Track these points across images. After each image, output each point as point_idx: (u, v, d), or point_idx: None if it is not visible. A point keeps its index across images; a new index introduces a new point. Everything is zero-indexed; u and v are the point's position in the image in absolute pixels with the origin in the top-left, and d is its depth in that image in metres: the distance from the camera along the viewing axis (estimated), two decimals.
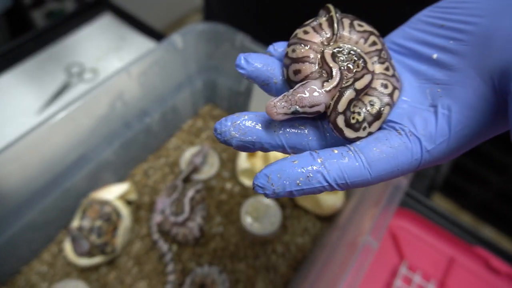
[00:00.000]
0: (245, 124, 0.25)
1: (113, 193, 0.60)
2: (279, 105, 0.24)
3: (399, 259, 0.62)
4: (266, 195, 0.24)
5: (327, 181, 0.24)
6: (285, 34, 0.67)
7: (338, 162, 0.24)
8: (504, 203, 1.32)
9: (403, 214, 0.65)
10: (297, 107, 0.24)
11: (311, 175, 0.24)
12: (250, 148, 0.26)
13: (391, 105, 0.27)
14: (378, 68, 0.27)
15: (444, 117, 0.25)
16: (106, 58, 0.86)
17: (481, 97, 0.24)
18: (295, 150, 0.26)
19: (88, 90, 0.53)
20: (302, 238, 0.63)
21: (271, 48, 0.29)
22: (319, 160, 0.24)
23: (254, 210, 0.62)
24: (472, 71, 0.24)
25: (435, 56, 0.27)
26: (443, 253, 0.63)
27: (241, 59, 0.27)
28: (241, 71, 0.26)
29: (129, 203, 0.64)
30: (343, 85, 0.25)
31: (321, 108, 0.25)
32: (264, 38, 0.63)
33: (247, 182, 0.67)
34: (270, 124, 0.26)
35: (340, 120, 0.25)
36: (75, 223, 0.57)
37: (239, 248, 0.61)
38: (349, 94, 0.25)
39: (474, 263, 0.62)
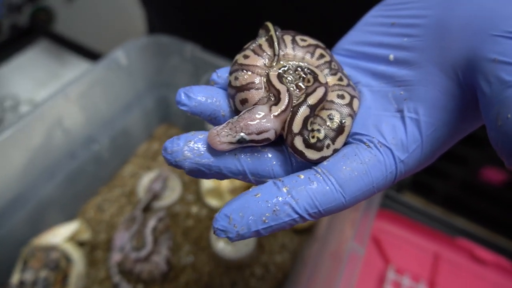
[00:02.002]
0: (200, 144, 0.22)
1: (60, 235, 0.52)
2: (223, 134, 0.22)
3: (385, 263, 0.58)
4: (230, 239, 0.21)
5: (297, 213, 0.21)
6: (231, 42, 0.63)
7: (306, 189, 0.21)
8: (469, 194, 1.35)
9: (381, 216, 0.62)
10: (243, 134, 0.22)
11: (278, 208, 0.21)
12: (205, 173, 0.23)
13: (352, 115, 0.24)
14: (331, 80, 0.25)
15: (412, 122, 0.23)
16: (46, 88, 0.78)
17: (447, 94, 0.22)
18: (258, 177, 0.23)
19: (18, 118, 0.46)
20: (280, 256, 0.58)
21: (214, 76, 0.27)
22: (284, 190, 0.21)
23: None
24: (433, 67, 0.23)
25: (391, 56, 0.25)
26: (427, 250, 0.60)
27: (181, 95, 0.24)
28: (182, 108, 0.24)
29: (81, 244, 0.56)
30: (295, 103, 0.23)
31: (270, 135, 0.22)
32: (212, 48, 0.59)
33: (214, 203, 0.61)
34: None
35: (299, 142, 0.22)
36: (15, 278, 0.48)
37: (214, 277, 0.55)
38: (303, 111, 0.23)
39: (459, 256, 0.60)
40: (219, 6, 0.58)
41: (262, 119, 0.22)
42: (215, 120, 0.25)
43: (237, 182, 0.59)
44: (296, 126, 0.23)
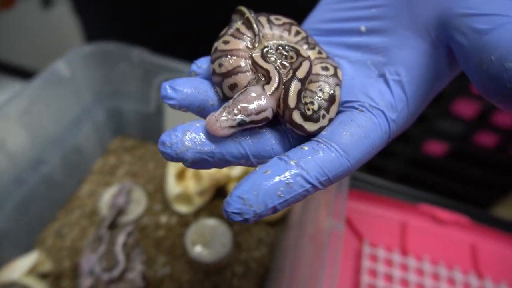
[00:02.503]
0: (200, 132, 0.22)
1: (19, 270, 0.47)
2: (223, 119, 0.21)
3: (359, 240, 0.60)
4: (247, 221, 0.21)
5: (309, 182, 0.21)
6: (179, 42, 0.62)
7: (314, 158, 0.22)
8: (417, 169, 1.45)
9: (350, 196, 0.64)
10: (243, 116, 0.22)
11: (291, 181, 0.21)
12: (208, 161, 0.22)
13: (339, 84, 0.25)
14: (311, 54, 0.26)
15: (396, 83, 0.24)
16: None
17: (423, 54, 0.24)
18: (259, 158, 0.23)
19: None
20: (259, 251, 0.57)
21: (194, 67, 0.26)
22: (292, 163, 0.21)
23: (200, 236, 0.55)
24: (406, 31, 0.24)
25: (362, 28, 0.26)
26: (395, 220, 0.63)
27: (167, 88, 0.23)
28: (170, 102, 0.23)
29: (44, 276, 0.51)
30: (285, 80, 0.24)
31: (268, 114, 0.23)
32: (160, 50, 0.57)
33: (183, 209, 0.59)
34: None
35: (297, 116, 0.23)
36: None
37: (194, 284, 0.53)
38: (295, 86, 0.23)
39: (423, 220, 0.63)
40: (160, 7, 0.57)
41: (258, 99, 0.22)
42: (204, 111, 0.24)
43: (205, 184, 0.57)
44: (292, 101, 0.23)
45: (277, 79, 0.23)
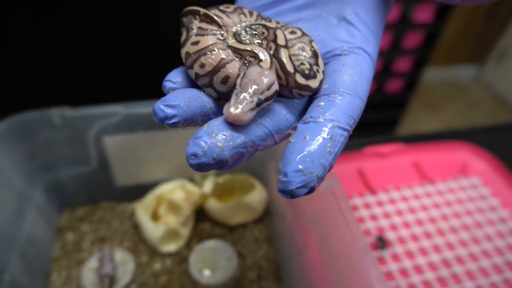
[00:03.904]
0: (224, 128, 0.21)
1: None
2: (241, 105, 0.21)
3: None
4: (312, 189, 0.21)
5: (345, 129, 0.22)
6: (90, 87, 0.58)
7: (336, 108, 0.23)
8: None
9: None
10: (258, 95, 0.22)
11: (332, 134, 0.22)
12: (243, 154, 0.22)
13: (312, 40, 0.27)
14: (273, 24, 0.27)
15: (358, 20, 0.27)
16: None
17: None
18: (280, 132, 0.24)
19: None
20: (261, 249, 0.58)
21: (169, 84, 0.25)
22: (321, 120, 0.22)
23: (204, 261, 0.53)
24: None
25: None
26: (353, 169, 0.70)
27: (163, 109, 0.22)
28: (172, 121, 0.22)
29: None
30: (272, 52, 0.24)
31: (276, 86, 0.23)
32: (80, 101, 0.53)
33: (173, 247, 0.56)
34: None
35: (300, 78, 0.24)
36: None
37: None
38: (284, 53, 0.24)
39: (372, 160, 0.71)
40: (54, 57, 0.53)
41: (263, 76, 0.22)
42: (206, 117, 0.24)
43: (186, 211, 0.55)
44: (290, 67, 0.24)
45: (266, 53, 0.24)
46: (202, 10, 0.25)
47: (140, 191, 0.61)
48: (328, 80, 0.25)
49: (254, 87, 0.22)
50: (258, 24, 0.26)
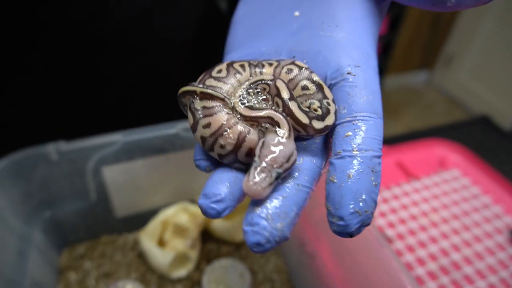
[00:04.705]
0: (275, 208, 0.21)
1: None
2: (260, 180, 0.21)
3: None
4: (368, 225, 0.21)
5: (378, 157, 0.22)
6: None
7: (365, 136, 0.22)
8: None
9: None
10: (277, 169, 0.21)
11: (371, 165, 0.22)
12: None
13: (312, 71, 0.26)
14: (268, 71, 0.26)
15: (357, 35, 0.27)
16: None
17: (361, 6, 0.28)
18: (316, 182, 0.24)
19: None
20: (270, 262, 0.58)
21: (201, 163, 0.25)
22: (355, 152, 0.22)
23: (218, 281, 0.52)
24: None
25: (296, 13, 0.29)
26: None
27: (212, 207, 0.22)
28: (224, 214, 0.22)
29: None
30: (281, 108, 0.24)
31: (295, 156, 0.22)
32: (74, 133, 0.52)
33: (183, 272, 0.55)
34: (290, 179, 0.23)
35: (317, 123, 0.23)
36: None
37: None
38: (293, 107, 0.23)
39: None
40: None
41: (281, 146, 0.22)
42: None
43: (194, 233, 0.55)
44: (304, 118, 0.23)
45: (282, 118, 0.23)
46: (198, 89, 0.24)
47: (140, 220, 0.59)
48: (345, 105, 0.24)
49: (273, 160, 0.21)
50: (257, 80, 0.25)
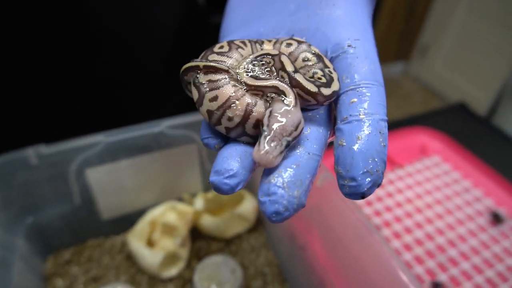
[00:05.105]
0: (290, 177, 0.21)
1: None
2: (271, 149, 0.21)
3: None
4: (379, 185, 0.22)
5: (384, 120, 0.23)
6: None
7: (370, 101, 0.23)
8: None
9: None
10: (287, 138, 0.21)
11: (378, 127, 0.22)
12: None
13: (310, 44, 0.27)
14: (267, 46, 0.27)
15: (354, 12, 0.28)
16: None
17: None
18: (325, 150, 0.25)
19: None
20: (261, 256, 0.58)
21: (210, 141, 0.24)
22: (362, 116, 0.23)
23: (209, 278, 0.52)
24: None
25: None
26: None
27: (225, 182, 0.22)
28: (238, 188, 0.22)
29: None
30: (288, 80, 0.24)
31: (303, 124, 0.23)
32: (56, 136, 0.51)
33: (174, 271, 0.54)
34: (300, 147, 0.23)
35: (325, 90, 0.24)
36: None
37: None
38: (300, 78, 0.24)
39: None
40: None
41: (289, 114, 0.22)
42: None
43: (183, 231, 0.54)
44: (312, 87, 0.23)
45: (288, 88, 0.23)
46: (201, 64, 0.24)
47: (127, 221, 0.58)
48: (348, 74, 0.25)
49: (282, 129, 0.21)
50: (261, 54, 0.25)
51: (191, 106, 0.57)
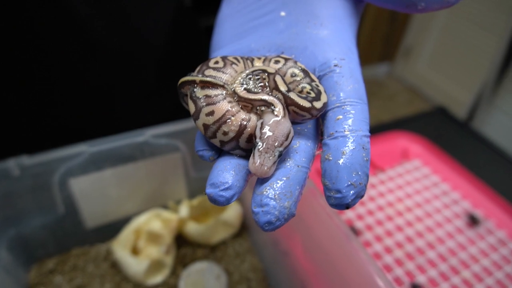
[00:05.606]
0: (280, 188, 0.23)
1: None
2: (265, 160, 0.22)
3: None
4: (362, 196, 0.23)
5: (367, 136, 0.24)
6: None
7: (354, 118, 0.25)
8: None
9: None
10: (278, 148, 0.23)
11: (362, 143, 0.24)
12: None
13: (296, 61, 0.28)
14: (257, 63, 0.29)
15: (338, 31, 0.29)
16: None
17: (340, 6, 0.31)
18: (312, 162, 0.26)
19: None
20: (245, 262, 0.59)
21: (205, 153, 0.26)
22: (347, 133, 0.24)
23: (194, 285, 0.53)
24: None
25: (282, 13, 0.31)
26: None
27: (221, 194, 0.23)
28: (233, 200, 0.23)
29: None
30: (281, 103, 0.25)
31: (292, 133, 0.24)
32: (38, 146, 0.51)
33: (159, 278, 0.55)
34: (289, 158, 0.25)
35: (317, 103, 0.25)
36: None
37: None
38: (294, 96, 0.25)
39: None
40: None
41: (280, 125, 0.23)
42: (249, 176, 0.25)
43: (168, 239, 0.55)
44: (305, 103, 0.25)
45: (277, 101, 0.25)
46: (198, 79, 0.25)
47: (112, 229, 0.59)
48: (334, 92, 0.26)
49: (275, 140, 0.23)
50: (257, 70, 0.27)
51: (177, 113, 0.57)
